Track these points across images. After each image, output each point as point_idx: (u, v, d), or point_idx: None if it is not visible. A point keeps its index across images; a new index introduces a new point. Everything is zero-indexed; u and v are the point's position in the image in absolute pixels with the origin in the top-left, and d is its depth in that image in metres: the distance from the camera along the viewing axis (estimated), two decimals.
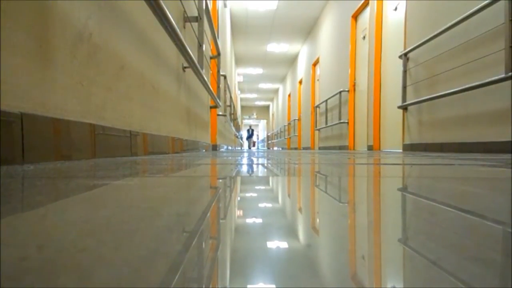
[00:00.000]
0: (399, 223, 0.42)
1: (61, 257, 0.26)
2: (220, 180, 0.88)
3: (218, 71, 5.53)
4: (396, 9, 5.43)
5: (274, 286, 0.22)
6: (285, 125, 17.65)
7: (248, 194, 0.63)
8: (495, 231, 0.37)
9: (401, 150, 4.92)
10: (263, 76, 17.98)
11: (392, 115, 5.56)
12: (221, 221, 0.41)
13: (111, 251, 0.27)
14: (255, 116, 31.24)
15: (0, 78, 1.01)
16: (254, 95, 24.31)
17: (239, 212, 0.46)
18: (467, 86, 3.26)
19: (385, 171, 1.18)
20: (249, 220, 0.41)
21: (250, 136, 26.61)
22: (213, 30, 4.59)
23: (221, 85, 6.01)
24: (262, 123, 34.91)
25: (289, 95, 16.39)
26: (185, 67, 3.67)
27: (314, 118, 10.20)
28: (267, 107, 29.98)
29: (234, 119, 11.47)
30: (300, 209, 0.48)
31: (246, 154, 3.21)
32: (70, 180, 0.76)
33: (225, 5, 8.61)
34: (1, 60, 1.01)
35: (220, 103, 5.80)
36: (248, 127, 27.59)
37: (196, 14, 3.67)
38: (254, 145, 31.13)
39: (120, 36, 1.91)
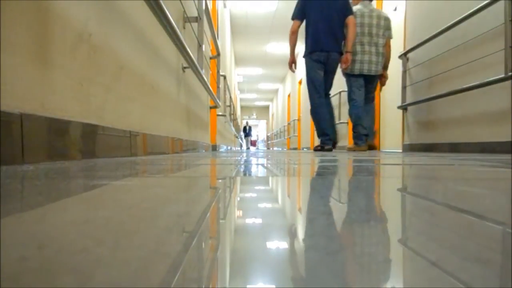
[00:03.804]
0: (399, 223, 0.42)
1: (61, 257, 0.26)
2: (220, 181, 0.88)
3: (218, 71, 5.53)
4: (395, 9, 5.43)
5: (273, 286, 0.22)
6: (284, 126, 17.64)
7: (247, 195, 0.63)
8: (495, 231, 0.37)
9: (401, 150, 4.92)
10: (263, 76, 17.98)
11: (391, 115, 5.56)
12: (221, 221, 0.41)
13: (111, 251, 0.27)
14: (255, 117, 31.21)
15: (0, 78, 1.01)
16: (254, 95, 24.27)
17: (238, 213, 0.46)
18: (466, 86, 3.26)
19: (385, 171, 1.18)
20: (248, 221, 0.41)
21: (247, 135, 24.09)
22: (213, 31, 4.59)
23: (221, 85, 6.01)
24: (262, 123, 34.86)
25: (289, 95, 16.38)
26: (185, 68, 3.67)
27: None
28: (267, 107, 29.96)
29: (234, 119, 11.47)
30: (299, 209, 0.48)
31: (245, 155, 3.21)
32: (70, 180, 0.76)
33: (224, 6, 8.61)
34: (1, 60, 1.01)
35: (220, 104, 5.80)
36: (245, 124, 24.94)
37: (196, 15, 3.67)
38: (254, 145, 30.38)
39: (120, 36, 1.91)
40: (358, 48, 4.33)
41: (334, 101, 8.25)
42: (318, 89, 4.24)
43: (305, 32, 4.33)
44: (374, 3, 4.62)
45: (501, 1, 2.83)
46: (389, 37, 4.43)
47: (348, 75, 4.42)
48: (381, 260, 0.27)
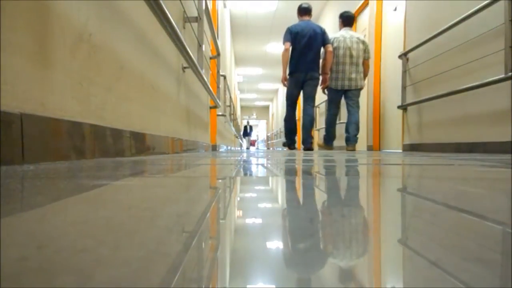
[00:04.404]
0: (399, 223, 0.42)
1: (60, 257, 0.26)
2: (220, 181, 0.88)
3: (218, 71, 5.53)
4: (395, 9, 5.43)
5: (273, 286, 0.22)
6: None
7: (247, 195, 0.63)
8: (495, 231, 0.37)
9: (401, 150, 4.92)
10: (263, 76, 17.97)
11: (392, 115, 5.56)
12: (221, 221, 0.41)
13: (111, 251, 0.27)
14: (255, 116, 31.19)
15: (0, 78, 1.01)
16: (254, 95, 24.24)
17: (238, 213, 0.46)
18: (466, 86, 3.26)
19: (385, 171, 1.18)
20: (248, 220, 0.41)
21: (247, 134, 24.03)
22: (213, 31, 4.59)
23: (221, 85, 6.00)
24: (262, 123, 34.81)
25: None
26: (185, 68, 3.67)
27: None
28: (267, 107, 29.94)
29: (234, 119, 11.46)
30: (299, 209, 0.48)
31: (245, 155, 3.21)
32: (70, 180, 0.76)
33: (224, 6, 8.60)
34: (1, 60, 1.01)
35: (220, 104, 5.80)
36: (245, 123, 24.83)
37: (196, 15, 3.67)
38: (253, 145, 30.29)
39: (120, 36, 1.91)
40: (340, 67, 5.23)
41: None
42: (292, 104, 5.51)
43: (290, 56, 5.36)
44: (358, 27, 5.48)
45: (501, 1, 2.83)
46: (367, 58, 5.28)
47: (330, 89, 5.38)
48: (381, 260, 0.27)
